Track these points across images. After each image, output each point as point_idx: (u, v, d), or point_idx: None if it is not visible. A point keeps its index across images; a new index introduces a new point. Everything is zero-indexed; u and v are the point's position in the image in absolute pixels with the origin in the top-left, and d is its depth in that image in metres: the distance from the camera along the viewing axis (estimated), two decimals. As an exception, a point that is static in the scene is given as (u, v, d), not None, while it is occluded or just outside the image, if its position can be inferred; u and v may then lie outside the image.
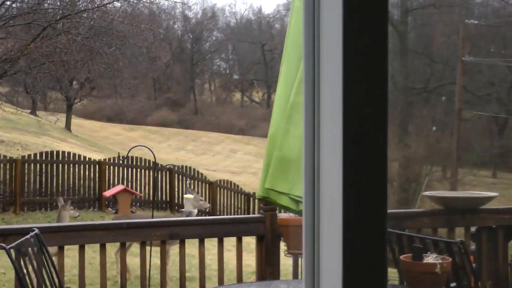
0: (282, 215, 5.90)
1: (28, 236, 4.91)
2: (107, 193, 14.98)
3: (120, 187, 14.54)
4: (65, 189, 17.86)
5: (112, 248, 8.76)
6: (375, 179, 1.08)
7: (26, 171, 17.23)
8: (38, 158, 17.74)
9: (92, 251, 9.69)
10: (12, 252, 4.61)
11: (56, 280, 5.16)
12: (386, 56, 1.09)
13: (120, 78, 22.99)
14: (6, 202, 16.83)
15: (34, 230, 5.05)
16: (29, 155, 18.05)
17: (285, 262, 6.58)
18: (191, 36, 64.23)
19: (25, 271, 4.67)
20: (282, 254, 6.09)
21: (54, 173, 17.76)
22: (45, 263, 5.08)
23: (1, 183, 16.82)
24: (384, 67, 1.10)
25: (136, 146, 8.95)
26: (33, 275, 4.89)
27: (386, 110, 1.09)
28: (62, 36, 18.48)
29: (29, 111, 42.02)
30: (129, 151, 8.76)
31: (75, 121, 43.33)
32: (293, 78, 4.19)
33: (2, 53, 20.47)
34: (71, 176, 18.09)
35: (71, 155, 18.48)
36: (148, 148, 8.61)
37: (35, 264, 4.90)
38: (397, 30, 38.49)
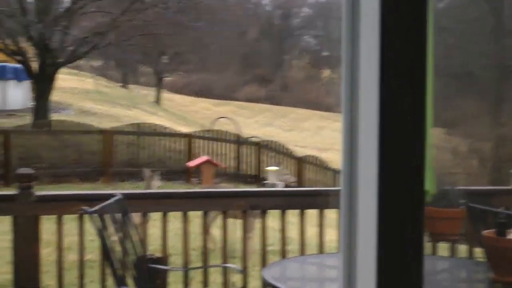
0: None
1: (111, 201, 4.98)
2: (191, 163, 15.14)
3: (204, 158, 14.66)
4: (153, 160, 18.16)
5: (199, 219, 8.82)
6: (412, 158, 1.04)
7: (116, 142, 17.59)
8: (127, 129, 18.07)
9: (179, 221, 9.76)
10: (95, 216, 4.69)
11: (139, 246, 5.24)
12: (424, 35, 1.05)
13: (208, 53, 23.15)
14: (97, 172, 17.23)
15: (116, 195, 5.13)
16: (119, 127, 18.41)
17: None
18: (280, 11, 64.07)
19: (106, 233, 4.74)
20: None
21: (143, 145, 18.07)
22: (127, 228, 5.15)
23: (93, 154, 17.22)
24: (422, 48, 1.05)
25: (220, 118, 8.98)
26: (115, 238, 4.97)
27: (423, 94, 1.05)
28: (151, 10, 18.70)
29: (121, 84, 42.80)
30: (214, 123, 8.79)
31: (165, 95, 43.92)
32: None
33: (93, 27, 20.87)
34: (160, 148, 18.38)
35: (159, 127, 18.75)
36: (232, 120, 8.62)
37: (116, 228, 4.97)
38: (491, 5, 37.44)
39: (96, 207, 4.72)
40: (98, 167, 17.19)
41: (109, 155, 17.15)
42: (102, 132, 17.38)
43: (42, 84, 20.35)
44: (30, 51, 22.28)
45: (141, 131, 18.17)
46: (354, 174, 1.09)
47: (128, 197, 5.59)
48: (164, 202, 5.89)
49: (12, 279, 5.75)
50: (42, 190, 5.96)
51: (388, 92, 1.04)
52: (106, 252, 4.61)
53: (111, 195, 5.16)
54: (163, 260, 5.98)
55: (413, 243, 1.06)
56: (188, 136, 18.67)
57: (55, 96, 27.11)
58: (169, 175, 17.79)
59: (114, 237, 4.95)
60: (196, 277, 6.79)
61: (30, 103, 22.60)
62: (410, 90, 1.06)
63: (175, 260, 7.00)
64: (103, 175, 17.16)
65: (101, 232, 4.63)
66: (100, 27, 20.45)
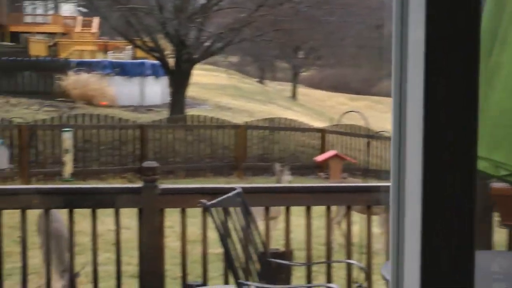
0: (496, 184, 5.56)
1: (230, 195, 4.96)
2: (319, 158, 15.05)
3: (332, 152, 14.53)
4: (286, 155, 18.19)
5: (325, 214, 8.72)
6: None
7: (249, 136, 17.74)
8: (261, 124, 18.19)
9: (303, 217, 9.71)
10: (213, 210, 4.68)
11: (259, 241, 5.19)
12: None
13: (343, 47, 22.97)
14: (230, 166, 17.44)
15: (236, 189, 5.10)
16: (252, 121, 18.55)
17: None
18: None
19: (224, 227, 4.72)
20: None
21: (276, 139, 18.13)
22: (248, 223, 5.12)
23: (226, 148, 17.44)
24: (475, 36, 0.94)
25: (349, 111, 8.84)
26: (233, 233, 4.94)
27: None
28: (285, 5, 18.72)
29: (257, 79, 43.20)
30: (342, 117, 8.67)
31: (301, 90, 43.99)
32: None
33: (228, 23, 21.12)
34: (293, 142, 18.40)
35: (293, 122, 18.77)
36: (361, 114, 8.46)
37: (236, 222, 4.94)
38: None
39: (214, 201, 4.71)
40: (232, 161, 17.39)
41: (242, 150, 17.31)
42: (236, 126, 17.57)
43: (179, 79, 20.80)
44: (167, 47, 22.84)
45: (275, 126, 18.24)
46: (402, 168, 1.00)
47: (249, 191, 5.57)
48: (286, 196, 5.82)
49: (138, 270, 5.85)
50: (176, 184, 6.05)
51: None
52: (224, 246, 4.59)
53: (232, 189, 5.14)
54: (287, 254, 5.92)
55: (460, 234, 0.95)
56: (321, 131, 18.57)
57: (192, 92, 27.69)
58: (301, 169, 17.77)
59: (233, 231, 4.92)
60: (320, 272, 6.68)
61: (167, 99, 23.18)
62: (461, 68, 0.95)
63: (300, 255, 6.90)
64: (236, 169, 17.34)
65: (219, 226, 4.61)
66: (235, 23, 20.69)
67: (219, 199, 4.77)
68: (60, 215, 6.81)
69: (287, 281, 6.03)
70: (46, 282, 5.69)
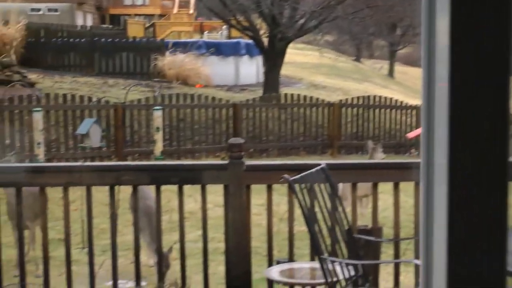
0: None
1: (313, 170, 4.90)
2: (411, 134, 14.80)
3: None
4: (381, 133, 17.97)
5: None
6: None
7: (343, 115, 17.60)
8: (355, 102, 18.01)
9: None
10: (297, 185, 4.64)
11: (344, 217, 5.12)
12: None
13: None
14: (324, 145, 17.35)
15: (321, 165, 5.04)
16: (346, 99, 18.39)
17: None
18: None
19: (308, 203, 4.67)
20: None
21: (371, 118, 17.93)
22: (334, 199, 5.06)
23: (320, 127, 17.35)
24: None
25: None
26: (318, 209, 4.89)
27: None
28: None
29: (354, 58, 42.80)
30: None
31: (398, 68, 43.34)
32: None
33: (321, 1, 20.94)
34: (387, 121, 18.15)
35: (388, 100, 18.50)
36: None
37: (321, 198, 4.88)
38: None
39: (297, 176, 4.67)
40: (325, 140, 17.30)
41: (336, 128, 17.19)
42: (330, 105, 17.45)
43: (273, 58, 20.79)
44: (262, 26, 22.86)
45: (369, 104, 18.03)
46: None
47: (334, 167, 5.50)
48: (373, 173, 5.73)
49: (223, 246, 5.88)
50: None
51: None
52: (307, 222, 4.54)
53: (317, 165, 5.08)
54: (375, 231, 5.83)
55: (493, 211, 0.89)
56: (417, 109, 18.24)
57: (287, 71, 27.65)
58: (395, 147, 17.53)
59: (318, 207, 4.87)
60: (410, 249, 6.56)
61: (262, 78, 23.22)
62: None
63: (392, 232, 6.78)
64: (330, 148, 17.24)
65: (302, 201, 4.57)
66: (329, 1, 20.49)
67: (302, 174, 4.73)
68: (151, 192, 6.91)
69: (375, 258, 5.94)
70: (135, 258, 5.78)
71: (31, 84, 18.34)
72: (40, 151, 7.63)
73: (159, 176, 5.71)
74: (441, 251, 0.92)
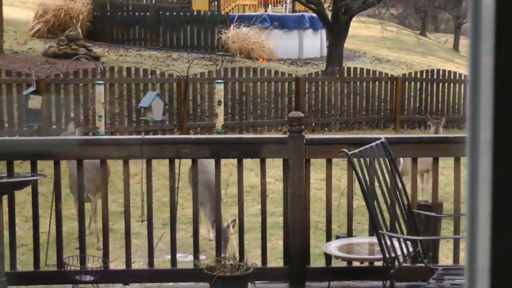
0: None
1: (373, 144, 4.85)
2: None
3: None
4: (445, 108, 17.70)
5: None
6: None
7: (406, 89, 17.37)
8: (418, 76, 17.75)
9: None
10: (356, 160, 4.60)
11: (403, 192, 5.06)
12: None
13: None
14: (386, 119, 17.17)
15: (380, 139, 4.99)
16: (410, 73, 18.14)
17: None
18: None
19: (367, 178, 4.63)
20: None
21: (435, 92, 17.66)
22: (393, 173, 5.00)
23: (383, 101, 17.17)
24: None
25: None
26: (377, 184, 4.84)
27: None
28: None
29: (418, 31, 42.17)
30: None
31: (464, 41, 42.55)
32: None
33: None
34: (451, 95, 17.87)
35: (452, 74, 18.19)
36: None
37: (380, 172, 4.84)
38: None
39: (356, 150, 4.63)
40: (388, 114, 17.12)
41: (399, 103, 16.98)
42: (393, 79, 17.23)
43: (337, 32, 20.60)
44: (326, 0, 22.66)
45: (433, 78, 17.75)
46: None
47: (394, 141, 5.44)
48: (434, 147, 5.64)
49: (282, 221, 5.88)
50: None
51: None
52: (365, 196, 4.50)
53: (377, 139, 5.03)
54: (435, 207, 5.75)
55: None
56: (483, 83, 17.88)
57: (350, 44, 27.40)
58: (458, 122, 17.26)
59: (377, 182, 4.82)
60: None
61: (325, 52, 23.06)
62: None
63: (452, 207, 6.68)
64: (392, 122, 17.06)
65: (360, 176, 4.53)
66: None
67: (361, 148, 4.69)
68: (211, 166, 6.93)
69: (435, 233, 5.87)
70: (193, 232, 5.82)
71: (96, 58, 18.57)
72: (102, 124, 7.73)
73: (219, 150, 5.72)
74: (485, 228, 0.89)
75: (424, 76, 17.72)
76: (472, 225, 0.92)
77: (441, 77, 17.85)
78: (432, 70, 18.12)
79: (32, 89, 8.36)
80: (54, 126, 13.26)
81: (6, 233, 5.48)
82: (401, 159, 9.20)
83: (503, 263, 0.89)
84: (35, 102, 8.34)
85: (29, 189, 5.78)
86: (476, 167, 0.93)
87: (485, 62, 0.93)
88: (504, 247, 0.89)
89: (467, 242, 0.94)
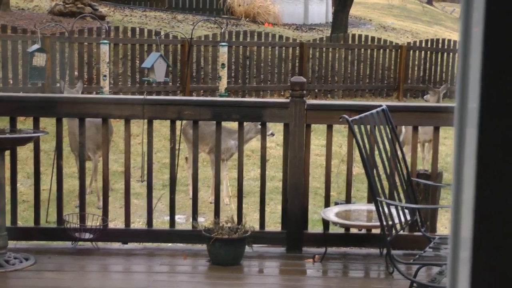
0: None
1: (374, 111, 4.87)
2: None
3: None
4: (449, 78, 17.66)
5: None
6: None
7: (411, 58, 17.32)
8: (423, 45, 17.68)
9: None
10: (356, 126, 4.61)
11: (403, 161, 5.08)
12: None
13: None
14: (389, 87, 17.15)
15: (381, 106, 5.00)
16: (415, 42, 18.07)
17: None
18: None
19: (367, 145, 4.64)
20: None
21: (439, 61, 17.62)
22: (393, 141, 5.02)
23: (387, 69, 17.12)
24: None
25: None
26: (377, 151, 4.86)
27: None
28: None
29: (426, 0, 41.90)
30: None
31: (471, 12, 42.26)
32: None
33: None
34: (455, 65, 17.81)
35: (457, 44, 18.10)
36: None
37: (380, 140, 4.85)
38: None
39: (356, 117, 4.64)
40: (391, 83, 17.10)
41: (402, 71, 16.94)
42: (397, 47, 17.18)
43: (343, -2, 20.48)
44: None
45: (438, 47, 17.69)
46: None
47: (396, 109, 5.44)
48: (435, 116, 5.65)
49: (281, 185, 5.91)
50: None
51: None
52: (364, 163, 4.52)
53: (378, 106, 5.04)
54: (435, 176, 5.78)
55: None
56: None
57: (357, 11, 27.25)
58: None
59: (377, 149, 4.84)
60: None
61: (331, 18, 22.93)
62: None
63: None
64: (395, 91, 17.04)
65: (359, 142, 4.54)
66: None
67: (361, 115, 4.70)
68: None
69: (433, 203, 5.91)
70: (192, 194, 5.85)
71: (102, 17, 18.49)
72: (106, 84, 7.73)
73: (221, 112, 5.73)
74: (469, 198, 0.92)
75: (429, 45, 17.66)
76: (457, 195, 0.95)
77: (446, 47, 17.79)
78: (437, 40, 18.05)
79: (36, 46, 8.35)
80: (57, 84, 13.26)
81: (8, 188, 5.52)
82: (403, 128, 9.22)
83: (484, 235, 0.91)
84: (40, 59, 8.34)
85: (31, 145, 5.82)
86: (463, 138, 0.95)
87: (475, 32, 0.95)
88: (486, 219, 0.91)
89: (452, 213, 0.96)
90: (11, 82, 13.31)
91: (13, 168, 5.67)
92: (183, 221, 7.91)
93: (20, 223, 6.21)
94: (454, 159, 0.96)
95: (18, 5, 20.56)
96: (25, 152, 9.17)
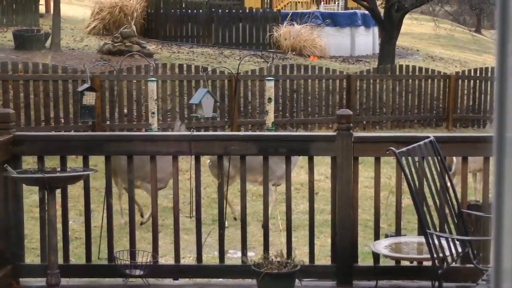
0: None
1: (421, 143, 4.83)
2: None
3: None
4: (499, 106, 17.44)
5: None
6: None
7: (460, 87, 17.17)
8: (472, 74, 17.52)
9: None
10: (404, 158, 4.59)
11: (453, 192, 5.02)
12: None
13: None
14: (439, 117, 17.02)
15: (429, 138, 4.96)
16: (463, 71, 17.92)
17: None
18: None
19: (415, 177, 4.61)
20: None
21: (488, 90, 17.43)
22: (441, 172, 4.97)
23: (435, 99, 17.00)
24: None
25: None
26: (425, 183, 4.82)
27: None
28: None
29: (473, 29, 41.60)
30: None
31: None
32: None
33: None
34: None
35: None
36: None
37: (428, 171, 4.81)
38: None
39: (404, 149, 4.61)
40: (440, 113, 16.96)
41: (452, 101, 16.81)
42: (446, 77, 17.06)
43: (389, 29, 20.47)
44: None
45: (487, 76, 17.51)
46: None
47: (444, 140, 5.40)
48: (483, 147, 5.57)
49: (330, 219, 5.88)
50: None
51: None
52: (412, 195, 4.48)
53: (426, 138, 5.01)
54: (486, 206, 5.70)
55: None
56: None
57: (403, 42, 27.19)
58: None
59: (426, 181, 4.80)
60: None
61: (377, 49, 22.92)
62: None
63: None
64: (444, 121, 16.89)
65: (407, 174, 4.51)
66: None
67: (409, 147, 4.67)
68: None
69: (485, 234, 5.82)
70: (241, 228, 5.85)
71: (149, 55, 18.76)
72: (154, 121, 7.82)
73: (267, 146, 5.74)
74: (510, 229, 0.90)
75: (478, 74, 17.49)
76: (498, 226, 0.93)
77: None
78: (487, 68, 17.87)
79: (86, 85, 8.51)
80: (107, 122, 13.45)
81: (59, 226, 5.59)
82: (454, 158, 9.11)
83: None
84: (90, 98, 8.49)
85: (82, 183, 5.89)
86: (503, 167, 0.94)
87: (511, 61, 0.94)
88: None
89: (493, 244, 0.95)
90: (63, 121, 13.55)
91: (64, 205, 5.75)
92: (233, 256, 7.90)
93: (73, 260, 6.27)
94: (494, 190, 0.95)
95: (68, 45, 20.97)
96: (77, 190, 9.28)
